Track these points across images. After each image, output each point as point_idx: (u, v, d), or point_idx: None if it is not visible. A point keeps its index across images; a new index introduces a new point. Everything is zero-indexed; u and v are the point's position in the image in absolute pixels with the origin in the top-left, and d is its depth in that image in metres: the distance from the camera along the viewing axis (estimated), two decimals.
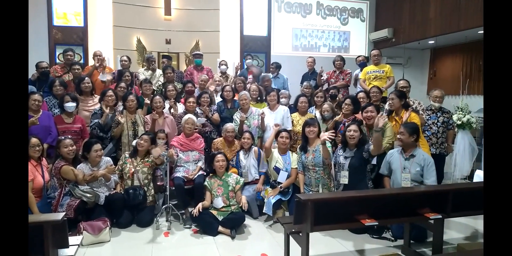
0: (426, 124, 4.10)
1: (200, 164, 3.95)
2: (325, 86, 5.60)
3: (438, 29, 6.88)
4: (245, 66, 6.05)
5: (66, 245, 2.24)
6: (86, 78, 4.41)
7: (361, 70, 5.57)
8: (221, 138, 4.19)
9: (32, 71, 4.66)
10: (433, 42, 7.74)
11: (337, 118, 4.11)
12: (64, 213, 2.31)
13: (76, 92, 4.36)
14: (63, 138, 3.50)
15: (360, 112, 3.95)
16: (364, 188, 3.38)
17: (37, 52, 4.82)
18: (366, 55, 6.39)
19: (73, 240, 2.38)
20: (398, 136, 3.28)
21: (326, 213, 2.44)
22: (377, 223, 2.49)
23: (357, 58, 5.72)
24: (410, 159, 3.20)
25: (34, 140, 3.27)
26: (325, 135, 3.35)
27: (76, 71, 4.73)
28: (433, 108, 4.09)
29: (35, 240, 2.07)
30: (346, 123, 3.68)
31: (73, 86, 4.63)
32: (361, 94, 4.34)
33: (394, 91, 3.86)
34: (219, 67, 5.78)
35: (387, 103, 3.85)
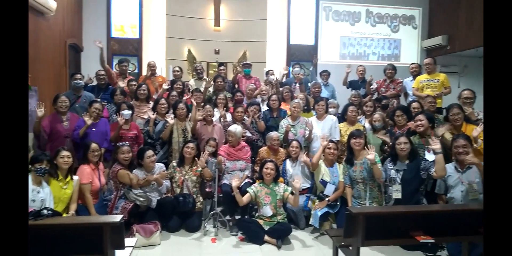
0: None
1: (247, 172, 3.99)
2: (375, 96, 5.46)
3: None
4: (291, 75, 6.05)
5: (122, 246, 2.33)
6: (144, 85, 4.63)
7: (413, 79, 5.35)
8: (265, 147, 4.20)
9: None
10: None
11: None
12: (122, 215, 2.42)
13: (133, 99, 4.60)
14: (121, 144, 3.69)
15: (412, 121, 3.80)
16: (416, 203, 3.23)
17: (97, 62, 5.17)
18: (419, 63, 6.11)
19: (128, 242, 2.46)
20: (464, 149, 3.07)
21: (378, 228, 2.36)
22: (433, 241, 2.37)
23: (410, 65, 5.52)
24: (467, 171, 3.06)
25: (94, 145, 3.49)
26: (371, 155, 3.30)
27: (133, 87, 4.84)
28: None
29: (95, 240, 2.20)
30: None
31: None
32: (415, 104, 4.14)
33: (456, 106, 3.62)
34: (266, 76, 5.82)
35: (450, 117, 3.57)
